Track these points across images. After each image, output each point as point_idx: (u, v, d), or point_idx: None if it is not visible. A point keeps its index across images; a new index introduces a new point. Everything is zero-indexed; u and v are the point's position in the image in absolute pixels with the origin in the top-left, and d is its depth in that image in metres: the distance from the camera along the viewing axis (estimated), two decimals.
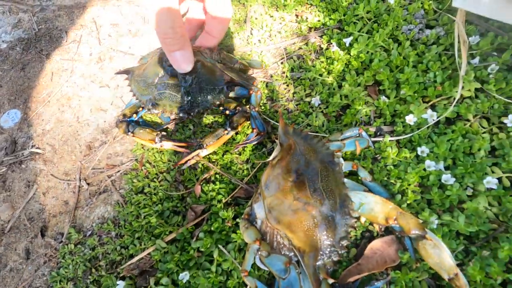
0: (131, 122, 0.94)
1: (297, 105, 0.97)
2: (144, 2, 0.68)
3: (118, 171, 0.97)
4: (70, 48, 1.28)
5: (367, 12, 1.03)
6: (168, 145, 0.91)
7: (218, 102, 0.91)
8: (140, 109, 0.95)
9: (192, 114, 0.90)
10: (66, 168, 1.01)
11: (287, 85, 1.02)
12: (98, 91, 1.15)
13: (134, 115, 0.94)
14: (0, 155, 1.04)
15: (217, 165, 0.91)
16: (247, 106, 0.91)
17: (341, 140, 0.81)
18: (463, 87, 0.81)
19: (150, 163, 0.95)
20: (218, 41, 0.92)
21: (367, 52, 0.95)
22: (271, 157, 0.78)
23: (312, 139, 0.78)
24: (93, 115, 1.10)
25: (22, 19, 1.39)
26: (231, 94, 0.94)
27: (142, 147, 0.98)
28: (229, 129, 0.88)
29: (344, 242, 0.65)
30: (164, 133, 0.92)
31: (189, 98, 0.88)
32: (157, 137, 0.89)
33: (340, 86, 0.96)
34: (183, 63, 0.81)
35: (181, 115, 0.89)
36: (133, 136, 0.92)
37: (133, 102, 0.97)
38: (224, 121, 0.97)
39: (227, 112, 0.92)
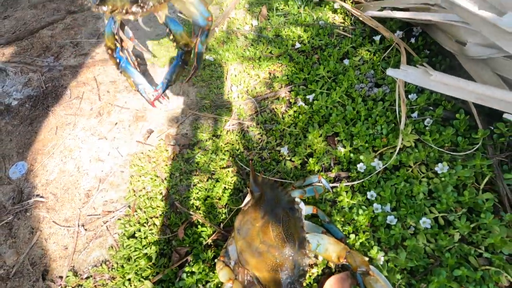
0: (121, 59, 1.22)
1: (269, 153, 1.12)
2: None
3: (113, 217, 1.09)
4: (73, 103, 1.46)
5: (327, 72, 1.22)
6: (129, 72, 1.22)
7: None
8: (117, 36, 1.15)
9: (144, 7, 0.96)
10: (66, 215, 1.13)
11: (261, 136, 1.17)
12: (97, 143, 1.31)
13: (117, 44, 1.17)
14: (8, 204, 1.17)
15: (199, 210, 1.03)
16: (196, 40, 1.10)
17: (304, 186, 0.95)
18: (403, 139, 0.96)
19: (141, 209, 1.08)
20: None
21: (327, 107, 1.12)
22: (243, 204, 0.91)
23: (277, 188, 0.92)
24: (92, 165, 1.24)
25: (32, 78, 1.58)
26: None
27: (134, 194, 1.12)
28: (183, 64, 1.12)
29: (302, 280, 0.76)
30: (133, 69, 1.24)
31: None
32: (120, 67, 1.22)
33: (305, 136, 1.11)
34: None
35: (133, 10, 0.94)
36: (120, 73, 1.24)
37: (106, 30, 1.15)
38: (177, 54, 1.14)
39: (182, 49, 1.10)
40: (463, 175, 0.88)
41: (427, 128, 0.99)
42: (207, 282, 0.87)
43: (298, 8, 1.50)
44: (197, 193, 1.07)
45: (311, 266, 0.84)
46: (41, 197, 1.18)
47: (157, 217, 1.05)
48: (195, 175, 1.13)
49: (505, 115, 0.76)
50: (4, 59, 1.68)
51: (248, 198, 0.91)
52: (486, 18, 0.75)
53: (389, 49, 1.21)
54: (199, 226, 0.98)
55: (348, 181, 0.97)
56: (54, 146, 1.32)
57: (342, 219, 0.90)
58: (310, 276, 0.84)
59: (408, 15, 0.97)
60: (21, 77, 1.60)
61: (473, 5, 0.78)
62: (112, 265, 0.98)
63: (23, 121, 1.42)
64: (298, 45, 1.35)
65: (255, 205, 0.87)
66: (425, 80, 0.86)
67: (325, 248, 0.81)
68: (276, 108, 1.22)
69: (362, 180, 0.94)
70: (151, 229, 1.02)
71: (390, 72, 0.94)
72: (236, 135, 1.19)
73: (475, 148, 0.91)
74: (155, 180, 1.14)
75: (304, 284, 0.81)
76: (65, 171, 1.24)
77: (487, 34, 0.82)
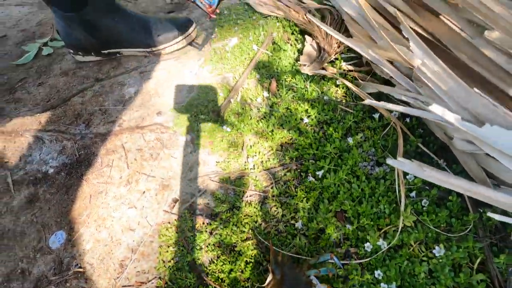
0: None
1: (285, 226, 1.25)
2: None
3: None
4: (105, 172, 1.62)
5: (333, 148, 1.37)
6: None
7: None
8: None
9: None
10: (103, 285, 1.25)
11: (277, 208, 1.31)
12: (127, 212, 1.45)
13: None
14: (50, 275, 1.30)
15: (224, 282, 1.15)
16: None
17: (318, 263, 1.07)
18: (403, 220, 1.10)
19: (171, 281, 1.20)
20: None
21: (335, 184, 1.26)
22: (266, 283, 1.03)
23: (295, 269, 1.04)
24: (123, 235, 1.38)
25: (66, 146, 1.76)
26: None
27: (164, 265, 1.24)
28: None
29: None
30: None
31: None
32: None
33: (316, 211, 1.25)
34: None
35: None
36: None
37: None
38: None
39: None
40: (458, 256, 1.00)
41: (424, 208, 1.12)
42: None
43: (304, 82, 1.69)
44: (222, 265, 1.19)
45: None
46: (80, 267, 1.31)
47: None
48: (218, 246, 1.26)
49: (489, 214, 0.89)
50: (40, 127, 1.87)
51: (269, 278, 1.03)
52: (464, 129, 0.91)
53: (388, 128, 1.37)
54: None
55: (357, 258, 1.09)
56: (88, 215, 1.46)
57: None
58: None
59: (401, 109, 1.13)
60: (56, 145, 1.77)
61: (453, 115, 0.94)
62: None
63: (60, 189, 1.58)
64: (306, 119, 1.52)
65: (277, 287, 0.99)
66: (419, 172, 1.01)
67: None
68: (289, 180, 1.37)
69: (370, 258, 1.07)
70: None
71: (389, 161, 1.09)
72: (254, 207, 1.33)
73: (467, 230, 1.04)
74: (182, 250, 1.27)
75: None
76: (99, 241, 1.38)
77: (466, 136, 0.98)
